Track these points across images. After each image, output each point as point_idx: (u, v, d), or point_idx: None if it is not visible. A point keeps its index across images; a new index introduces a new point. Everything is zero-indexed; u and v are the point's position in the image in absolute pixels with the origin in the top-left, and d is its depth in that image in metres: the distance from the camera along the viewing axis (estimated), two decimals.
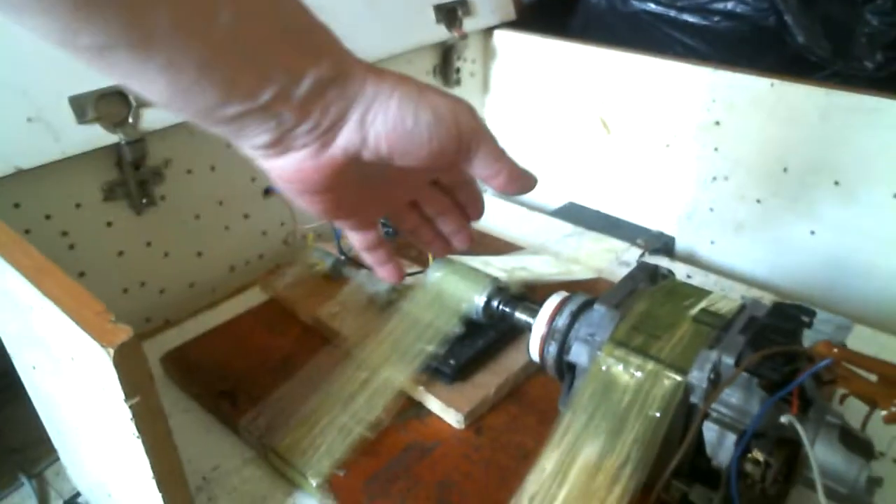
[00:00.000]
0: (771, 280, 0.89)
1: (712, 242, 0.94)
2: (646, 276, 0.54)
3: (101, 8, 0.25)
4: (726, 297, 0.52)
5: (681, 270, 0.84)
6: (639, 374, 0.45)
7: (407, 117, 0.33)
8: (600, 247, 0.88)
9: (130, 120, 0.63)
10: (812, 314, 0.48)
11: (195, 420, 0.59)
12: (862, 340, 0.72)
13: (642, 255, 0.86)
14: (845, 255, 0.83)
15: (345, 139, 0.33)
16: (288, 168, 0.34)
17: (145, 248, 0.71)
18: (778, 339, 0.44)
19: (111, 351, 0.36)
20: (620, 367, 0.46)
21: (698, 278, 0.83)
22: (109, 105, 0.62)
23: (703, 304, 0.50)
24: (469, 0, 0.99)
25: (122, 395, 0.37)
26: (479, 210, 0.46)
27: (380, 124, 0.33)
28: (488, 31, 1.05)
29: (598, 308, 0.49)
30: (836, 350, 0.41)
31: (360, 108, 0.32)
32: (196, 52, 0.28)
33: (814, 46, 0.92)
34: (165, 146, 0.69)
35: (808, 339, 0.72)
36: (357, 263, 0.71)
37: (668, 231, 0.96)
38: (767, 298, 0.78)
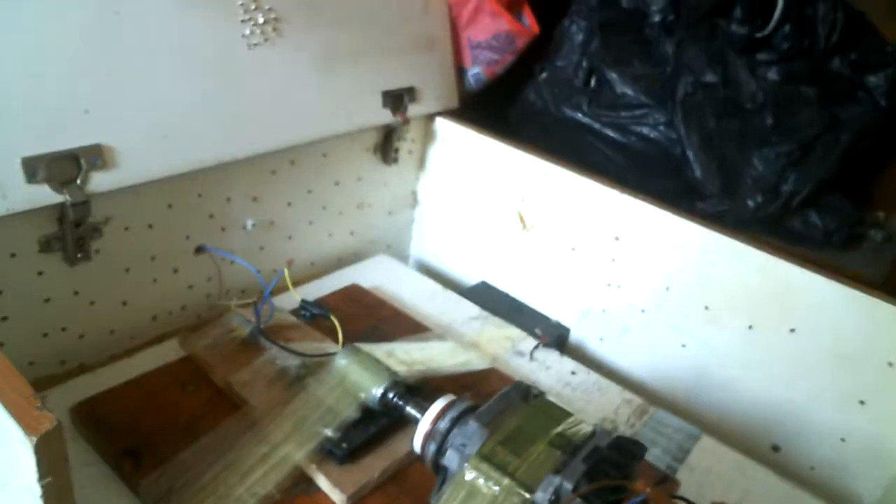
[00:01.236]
0: (645, 380, 1.01)
1: (601, 339, 1.05)
2: (520, 394, 0.62)
3: None
4: (584, 423, 0.61)
5: (567, 366, 0.94)
6: (496, 488, 0.53)
7: None
8: (500, 333, 0.97)
9: (78, 182, 0.68)
10: (644, 450, 0.57)
11: (97, 475, 0.63)
12: (706, 450, 0.84)
13: (537, 346, 0.96)
14: (707, 369, 0.95)
15: None
16: None
17: (72, 297, 0.75)
18: (611, 472, 0.54)
19: (34, 439, 0.41)
20: (481, 480, 0.54)
21: (581, 376, 0.93)
22: (60, 166, 0.67)
23: (560, 428, 0.59)
24: (416, 88, 1.08)
25: (36, 475, 0.42)
26: None
27: None
28: (430, 117, 1.14)
29: (472, 424, 0.57)
30: (648, 490, 0.51)
31: None
32: None
33: (707, 182, 1.05)
34: (109, 204, 0.74)
35: (659, 445, 0.83)
36: (272, 338, 0.77)
37: (566, 321, 1.07)
38: (637, 401, 0.90)
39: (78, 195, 0.68)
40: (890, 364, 0.81)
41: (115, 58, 0.71)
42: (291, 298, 0.91)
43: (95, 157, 0.69)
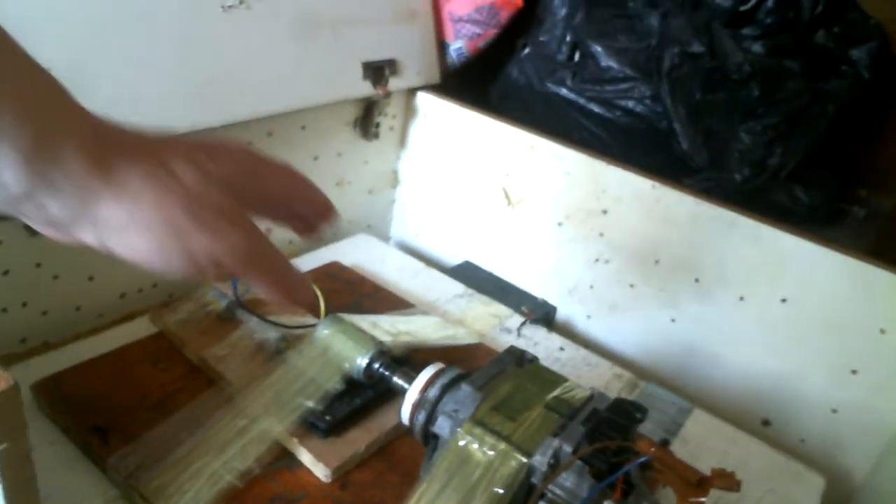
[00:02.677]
0: (635, 357, 0.99)
1: (589, 317, 1.03)
2: (513, 359, 0.59)
3: None
4: (580, 387, 0.58)
5: (555, 342, 0.91)
6: (491, 452, 0.51)
7: (148, 253, 0.32)
8: (486, 310, 0.94)
9: None
10: (644, 412, 0.55)
11: (61, 454, 0.59)
12: (698, 423, 0.82)
13: (524, 323, 0.93)
14: (698, 344, 0.93)
15: (83, 239, 0.32)
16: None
17: (34, 269, 0.70)
18: (612, 433, 0.51)
19: None
20: (476, 445, 0.51)
21: (570, 351, 0.90)
22: None
23: (557, 392, 0.57)
24: (397, 60, 1.04)
25: None
26: (325, 213, 0.42)
27: (119, 250, 0.32)
28: (412, 92, 1.11)
29: (465, 388, 0.54)
30: (653, 449, 0.48)
31: (92, 230, 0.31)
32: None
33: (694, 154, 1.03)
34: None
35: (651, 419, 0.81)
36: (251, 309, 0.74)
37: (552, 300, 1.05)
38: (627, 376, 0.87)
39: None
40: (882, 331, 0.80)
41: (80, 15, 0.66)
42: None
43: None
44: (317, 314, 0.74)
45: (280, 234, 0.98)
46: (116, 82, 0.70)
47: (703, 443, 0.79)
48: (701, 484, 0.46)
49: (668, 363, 0.96)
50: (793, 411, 0.88)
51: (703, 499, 0.45)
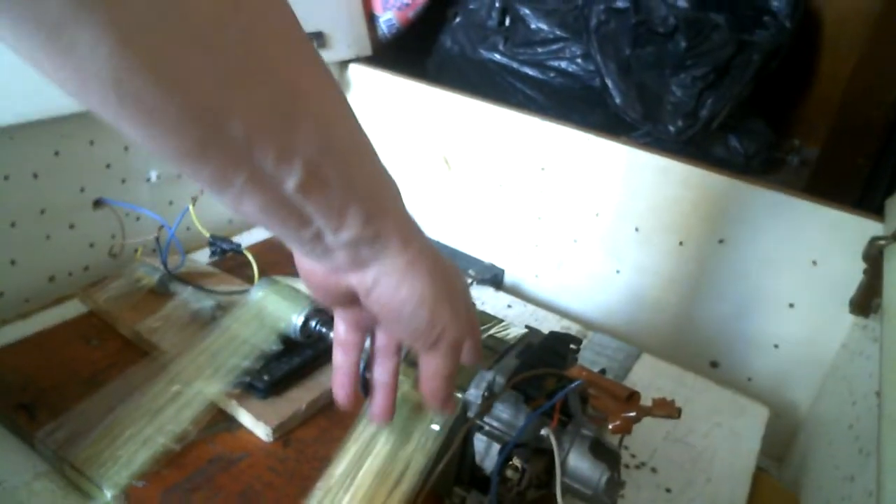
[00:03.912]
0: (584, 312, 0.99)
1: (536, 276, 1.03)
2: None
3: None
4: (515, 327, 0.59)
5: (503, 300, 0.92)
6: None
7: (402, 300, 0.37)
8: None
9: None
10: (578, 342, 0.55)
11: None
12: (646, 367, 0.83)
13: (470, 284, 0.93)
14: (642, 292, 0.94)
15: (356, 280, 0.37)
16: (307, 267, 0.41)
17: None
18: (547, 363, 0.51)
19: None
20: (408, 386, 0.51)
21: (517, 308, 0.90)
22: None
23: (492, 331, 0.57)
24: (325, 33, 1.03)
25: None
26: (429, 393, 0.43)
27: (382, 290, 0.37)
28: (343, 64, 1.10)
29: None
30: (584, 373, 0.48)
31: (376, 268, 0.37)
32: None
33: (628, 109, 1.05)
34: None
35: (599, 366, 0.81)
36: (183, 280, 0.72)
37: (499, 263, 1.05)
38: (575, 328, 0.88)
39: None
40: (814, 262, 0.82)
41: None
42: (204, 254, 0.85)
43: None
44: (253, 282, 0.72)
45: (219, 212, 0.97)
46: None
47: (650, 384, 0.80)
48: (630, 398, 0.46)
49: (617, 314, 0.97)
50: (738, 351, 0.90)
51: (632, 413, 0.46)
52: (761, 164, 1.18)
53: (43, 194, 0.74)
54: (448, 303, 0.39)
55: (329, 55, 1.04)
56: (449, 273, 0.40)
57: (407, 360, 0.52)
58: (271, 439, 0.59)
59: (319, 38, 1.01)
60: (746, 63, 1.07)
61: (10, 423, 0.57)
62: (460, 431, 0.48)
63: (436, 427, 0.49)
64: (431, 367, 0.42)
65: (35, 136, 0.71)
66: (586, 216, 0.96)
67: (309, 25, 0.98)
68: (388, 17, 1.14)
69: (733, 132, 1.14)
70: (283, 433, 0.59)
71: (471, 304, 0.44)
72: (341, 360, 0.46)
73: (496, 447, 0.48)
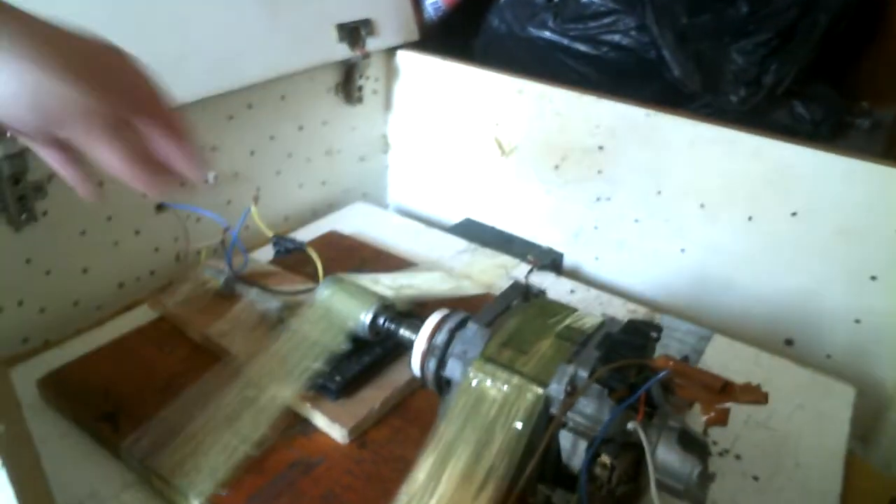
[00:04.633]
0: (647, 293, 0.97)
1: (597, 258, 1.00)
2: (518, 294, 0.58)
3: None
4: (590, 315, 0.57)
5: (565, 285, 0.90)
6: (505, 387, 0.49)
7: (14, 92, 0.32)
8: (492, 263, 0.92)
9: (8, 133, 0.62)
10: (659, 330, 0.53)
11: (73, 445, 0.58)
12: (719, 349, 0.80)
13: (531, 270, 0.91)
14: (709, 271, 0.91)
15: None
16: None
17: (24, 266, 0.69)
18: (628, 354, 0.49)
19: None
20: (489, 382, 0.49)
21: (581, 293, 0.88)
22: None
23: (567, 321, 0.55)
24: (372, 20, 1.01)
25: None
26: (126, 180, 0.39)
27: None
28: (391, 51, 1.08)
29: (471, 326, 0.52)
30: (671, 363, 0.46)
31: None
32: None
33: (687, 80, 1.00)
34: None
35: (671, 349, 0.79)
36: (249, 281, 0.72)
37: (557, 247, 1.02)
38: (641, 311, 0.85)
39: (10, 147, 0.61)
40: None
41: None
42: (266, 253, 0.85)
43: None
44: (316, 281, 0.72)
45: (273, 211, 0.97)
46: None
47: (725, 367, 0.77)
48: (725, 389, 0.44)
49: (682, 294, 0.94)
50: (815, 327, 0.86)
51: (728, 404, 0.44)
52: (829, 130, 1.11)
53: (109, 201, 0.75)
54: (78, 79, 0.34)
55: (377, 42, 1.02)
56: (77, 47, 0.35)
57: (484, 357, 0.51)
58: (347, 441, 0.58)
59: (367, 24, 1.00)
60: (812, 26, 1.01)
61: (95, 433, 0.59)
62: (544, 429, 0.47)
63: (518, 425, 0.47)
64: (102, 159, 0.37)
65: None
66: (648, 195, 0.93)
67: (356, 13, 0.97)
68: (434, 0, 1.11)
69: (798, 98, 1.08)
70: (359, 434, 0.59)
71: (137, 76, 0.39)
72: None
73: (583, 444, 0.47)
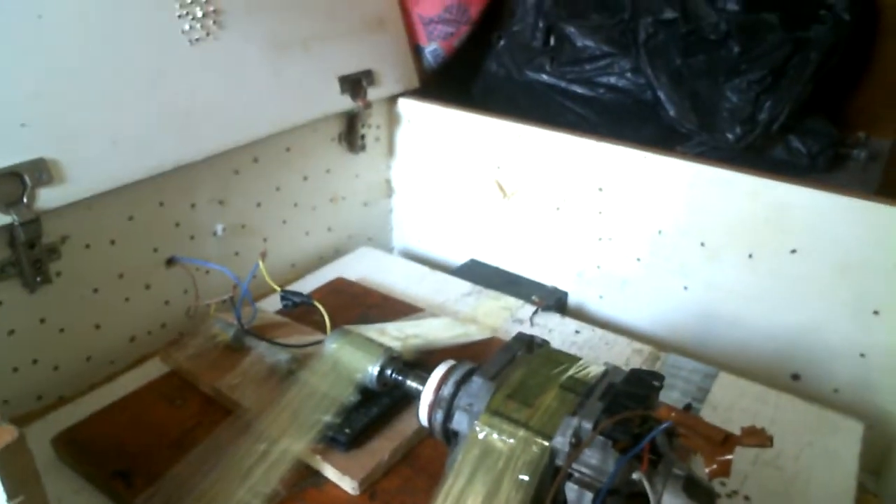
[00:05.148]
0: (652, 331, 0.97)
1: (601, 297, 1.01)
2: (522, 345, 0.59)
3: None
4: (594, 364, 0.57)
5: (570, 326, 0.90)
6: (511, 440, 0.50)
7: None
8: (497, 305, 0.93)
9: (25, 200, 0.64)
10: (661, 379, 0.54)
11: (88, 503, 0.59)
12: (725, 387, 0.80)
13: (535, 311, 0.92)
14: (713, 308, 0.92)
15: None
16: None
17: (38, 326, 0.70)
18: (630, 405, 0.50)
19: None
20: (495, 435, 0.50)
21: (586, 333, 0.89)
22: (2, 186, 0.63)
23: (571, 372, 0.56)
24: (373, 70, 1.04)
25: (4, 496, 0.38)
26: None
27: None
28: (392, 99, 1.11)
29: (476, 380, 0.53)
30: (673, 414, 0.47)
31: None
32: None
33: (683, 120, 1.02)
34: (62, 222, 0.70)
35: (676, 388, 0.79)
36: (258, 335, 0.73)
37: (562, 286, 1.04)
38: (646, 350, 0.86)
39: (25, 214, 0.64)
40: None
41: (46, 66, 0.67)
42: (273, 301, 0.87)
43: (40, 172, 0.65)
44: (323, 330, 0.73)
45: (280, 259, 0.99)
46: (94, 126, 0.70)
47: (732, 405, 0.78)
48: (726, 442, 0.45)
49: (686, 332, 0.95)
50: (821, 362, 0.87)
51: (729, 456, 0.44)
52: (826, 162, 1.13)
53: (120, 258, 0.77)
54: None
55: (378, 92, 1.05)
56: None
57: (489, 410, 0.51)
58: (358, 492, 0.59)
59: (369, 76, 1.03)
60: (805, 62, 1.03)
61: (109, 490, 0.59)
62: (551, 481, 0.48)
63: (525, 478, 0.48)
64: None
65: (112, 205, 0.74)
66: (649, 234, 0.94)
67: (357, 64, 1.00)
68: (433, 47, 1.15)
69: (794, 133, 1.09)
70: (369, 485, 0.60)
71: None
72: None
73: (588, 496, 0.47)
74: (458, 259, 1.13)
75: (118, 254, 0.76)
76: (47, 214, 0.66)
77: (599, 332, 0.90)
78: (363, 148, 1.07)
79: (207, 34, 0.81)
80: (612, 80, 1.10)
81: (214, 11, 0.82)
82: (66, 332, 0.73)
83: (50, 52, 0.67)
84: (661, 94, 1.03)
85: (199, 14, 0.80)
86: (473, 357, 0.60)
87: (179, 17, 0.78)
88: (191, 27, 0.79)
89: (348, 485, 0.59)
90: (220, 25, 0.82)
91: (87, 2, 0.70)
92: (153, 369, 0.75)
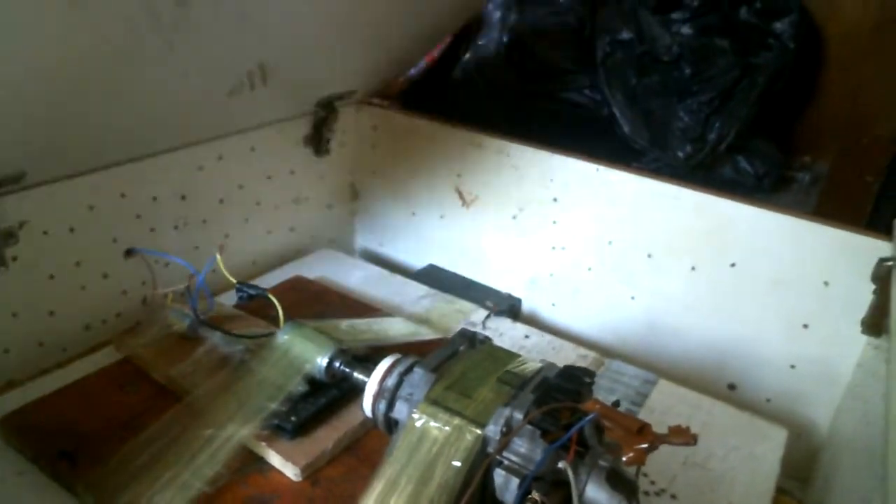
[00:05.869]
0: (600, 339, 1.01)
1: (553, 304, 1.05)
2: (465, 341, 0.61)
3: None
4: (531, 361, 0.60)
5: (521, 331, 0.94)
6: (446, 428, 0.52)
7: None
8: (451, 308, 0.96)
9: None
10: (592, 375, 0.57)
11: (31, 483, 0.60)
12: (664, 393, 0.84)
13: (488, 316, 0.95)
14: (657, 318, 0.96)
15: None
16: None
17: None
18: (561, 398, 0.53)
19: None
20: (432, 423, 0.53)
21: (535, 338, 0.92)
22: None
23: (509, 367, 0.59)
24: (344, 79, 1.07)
25: None
26: None
27: None
28: (359, 105, 1.13)
29: (418, 371, 0.56)
30: (598, 406, 0.50)
31: None
32: None
33: (636, 136, 1.07)
34: (21, 208, 0.71)
35: (617, 392, 0.83)
36: (213, 325, 0.75)
37: (516, 293, 1.07)
38: (591, 356, 0.90)
39: None
40: (826, 283, 0.83)
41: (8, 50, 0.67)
42: (232, 297, 0.88)
43: None
44: (278, 325, 0.75)
45: (241, 256, 1.00)
46: (49, 113, 0.70)
47: (668, 410, 0.81)
48: (642, 431, 0.48)
49: (632, 340, 0.98)
50: (755, 373, 0.91)
51: (644, 445, 0.47)
52: (772, 183, 1.19)
53: (78, 247, 0.78)
54: None
55: (346, 100, 1.07)
56: None
57: (428, 399, 0.54)
58: (300, 479, 0.61)
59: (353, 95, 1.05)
60: (752, 85, 1.09)
61: (52, 470, 0.60)
62: (480, 466, 0.50)
63: (457, 464, 0.51)
64: None
65: (72, 193, 0.75)
66: (600, 244, 0.98)
67: (339, 87, 1.02)
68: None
69: (742, 153, 1.15)
70: (312, 472, 0.62)
71: None
72: None
73: (515, 481, 0.50)
74: (418, 263, 1.16)
75: (77, 242, 0.77)
76: (5, 198, 0.67)
77: (548, 337, 0.93)
78: (328, 151, 1.09)
79: (170, 50, 0.82)
80: (573, 95, 1.15)
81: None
82: (18, 316, 0.74)
83: (11, 35, 0.67)
84: (617, 112, 1.08)
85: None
86: (423, 355, 0.63)
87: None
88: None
89: (291, 471, 0.61)
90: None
91: None
92: (106, 357, 0.76)
